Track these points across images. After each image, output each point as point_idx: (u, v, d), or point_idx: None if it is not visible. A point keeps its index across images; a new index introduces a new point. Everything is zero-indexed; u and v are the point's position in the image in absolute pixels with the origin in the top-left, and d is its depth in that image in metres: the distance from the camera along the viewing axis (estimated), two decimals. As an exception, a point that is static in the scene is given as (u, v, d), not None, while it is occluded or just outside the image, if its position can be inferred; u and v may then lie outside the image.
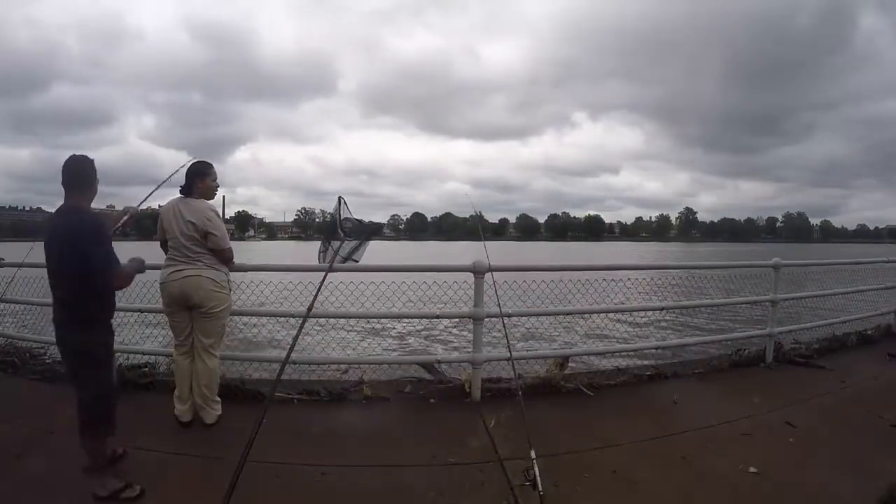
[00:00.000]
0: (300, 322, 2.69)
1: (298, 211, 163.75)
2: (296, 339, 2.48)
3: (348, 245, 3.41)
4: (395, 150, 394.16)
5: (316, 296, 2.80)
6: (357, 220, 3.52)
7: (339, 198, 3.47)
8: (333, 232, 3.48)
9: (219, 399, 3.23)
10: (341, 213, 3.46)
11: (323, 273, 3.11)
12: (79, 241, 2.31)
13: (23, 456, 2.71)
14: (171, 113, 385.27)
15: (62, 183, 2.39)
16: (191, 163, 3.23)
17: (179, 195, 3.18)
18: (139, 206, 3.84)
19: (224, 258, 3.16)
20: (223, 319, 3.22)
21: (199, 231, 3.04)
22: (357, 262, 3.46)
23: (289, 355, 2.48)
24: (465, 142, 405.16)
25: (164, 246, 3.16)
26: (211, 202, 3.20)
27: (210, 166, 3.23)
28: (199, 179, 3.16)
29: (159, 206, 3.25)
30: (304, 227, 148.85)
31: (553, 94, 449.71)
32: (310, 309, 2.77)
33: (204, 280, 3.05)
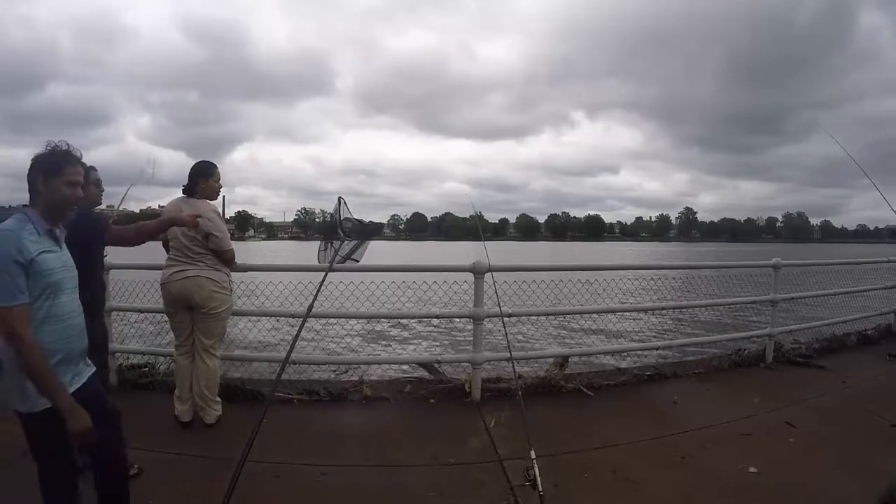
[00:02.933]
0: (300, 322, 2.69)
1: (298, 211, 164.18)
2: (296, 339, 2.48)
3: (348, 245, 3.40)
4: (393, 150, 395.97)
5: (316, 296, 2.79)
6: (357, 220, 3.51)
7: (339, 198, 3.47)
8: (333, 232, 3.47)
9: (219, 399, 3.23)
10: (341, 213, 3.45)
11: (323, 273, 3.11)
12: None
13: (27, 454, 2.70)
14: (168, 112, 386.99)
15: None
16: (194, 164, 3.23)
17: (182, 195, 3.17)
18: (116, 209, 3.89)
19: (225, 259, 3.16)
20: (224, 320, 3.22)
21: (201, 232, 3.03)
22: (357, 261, 3.46)
23: (289, 355, 2.48)
24: (463, 141, 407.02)
25: (167, 246, 3.16)
26: (213, 203, 3.20)
27: (214, 167, 3.23)
28: (203, 180, 3.15)
29: (160, 206, 3.26)
30: (304, 227, 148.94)
31: (551, 92, 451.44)
32: (310, 309, 2.77)
33: (205, 281, 3.05)
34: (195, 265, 3.06)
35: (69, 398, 1.66)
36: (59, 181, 1.72)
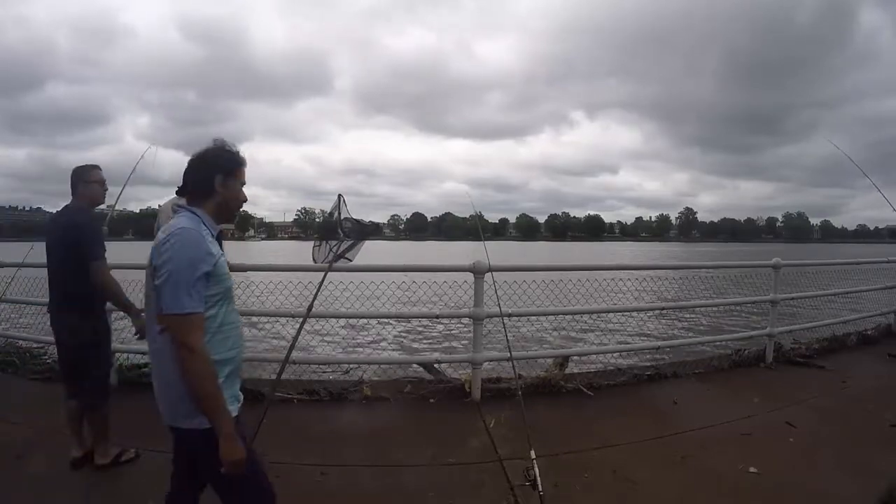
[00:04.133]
0: (300, 322, 2.69)
1: (298, 211, 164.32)
2: (296, 339, 2.48)
3: (343, 243, 3.39)
4: (392, 150, 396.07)
5: (316, 296, 2.80)
6: (356, 219, 3.51)
7: (339, 195, 3.46)
8: (330, 230, 3.46)
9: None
10: (341, 212, 3.44)
11: (322, 273, 3.11)
12: (68, 231, 2.51)
13: (23, 456, 2.71)
14: (167, 112, 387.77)
15: None
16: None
17: (176, 195, 3.16)
18: (113, 207, 3.88)
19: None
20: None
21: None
22: (350, 260, 3.45)
23: (289, 355, 2.48)
24: (462, 141, 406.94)
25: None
26: None
27: None
28: None
29: (159, 205, 3.25)
30: (304, 227, 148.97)
31: (550, 92, 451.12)
32: (310, 309, 2.77)
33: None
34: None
35: (231, 422, 1.45)
36: (236, 182, 1.59)
